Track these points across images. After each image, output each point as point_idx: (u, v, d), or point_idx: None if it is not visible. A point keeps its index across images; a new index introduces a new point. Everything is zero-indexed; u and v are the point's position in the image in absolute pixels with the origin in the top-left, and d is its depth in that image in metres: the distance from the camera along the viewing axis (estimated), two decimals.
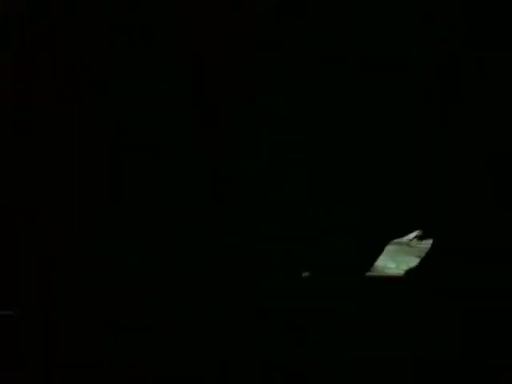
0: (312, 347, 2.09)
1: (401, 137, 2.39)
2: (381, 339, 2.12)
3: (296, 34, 2.28)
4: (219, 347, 2.14)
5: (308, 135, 2.54)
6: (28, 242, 2.31)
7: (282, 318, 2.19)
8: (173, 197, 2.40)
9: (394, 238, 2.54)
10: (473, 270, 2.42)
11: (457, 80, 2.34)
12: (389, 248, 2.63)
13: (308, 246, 2.40)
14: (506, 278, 2.34)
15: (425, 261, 2.52)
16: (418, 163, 2.41)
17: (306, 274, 2.43)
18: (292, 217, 2.40)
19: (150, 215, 2.45)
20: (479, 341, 2.07)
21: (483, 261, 2.41)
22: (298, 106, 2.45)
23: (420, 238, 2.56)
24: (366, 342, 2.12)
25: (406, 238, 2.57)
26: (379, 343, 2.11)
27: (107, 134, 2.39)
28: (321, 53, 2.26)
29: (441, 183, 2.41)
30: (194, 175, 2.41)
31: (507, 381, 1.94)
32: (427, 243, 2.55)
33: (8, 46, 2.17)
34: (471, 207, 2.41)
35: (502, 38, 2.26)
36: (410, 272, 2.52)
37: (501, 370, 1.96)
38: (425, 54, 2.31)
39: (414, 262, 2.61)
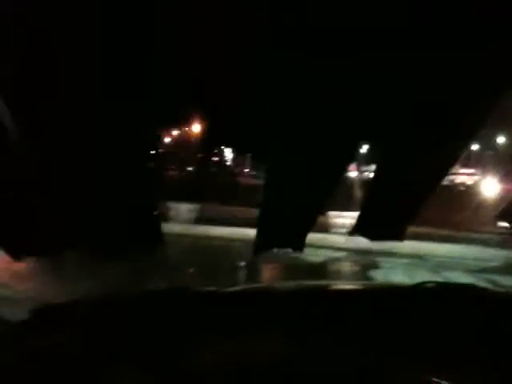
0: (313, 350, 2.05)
1: None
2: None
3: (296, 34, 2.28)
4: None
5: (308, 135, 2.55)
6: None
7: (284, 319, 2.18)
8: None
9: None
10: None
11: None
12: (402, 262, 2.60)
13: None
14: None
15: None
16: None
17: None
18: None
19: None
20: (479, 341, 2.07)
21: None
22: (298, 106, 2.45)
23: None
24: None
25: None
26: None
27: (107, 134, 2.40)
28: (320, 51, 2.26)
29: None
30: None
31: (507, 380, 1.94)
32: None
33: (8, 45, 2.18)
34: None
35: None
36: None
37: (501, 370, 1.96)
38: None
39: (429, 276, 2.56)
